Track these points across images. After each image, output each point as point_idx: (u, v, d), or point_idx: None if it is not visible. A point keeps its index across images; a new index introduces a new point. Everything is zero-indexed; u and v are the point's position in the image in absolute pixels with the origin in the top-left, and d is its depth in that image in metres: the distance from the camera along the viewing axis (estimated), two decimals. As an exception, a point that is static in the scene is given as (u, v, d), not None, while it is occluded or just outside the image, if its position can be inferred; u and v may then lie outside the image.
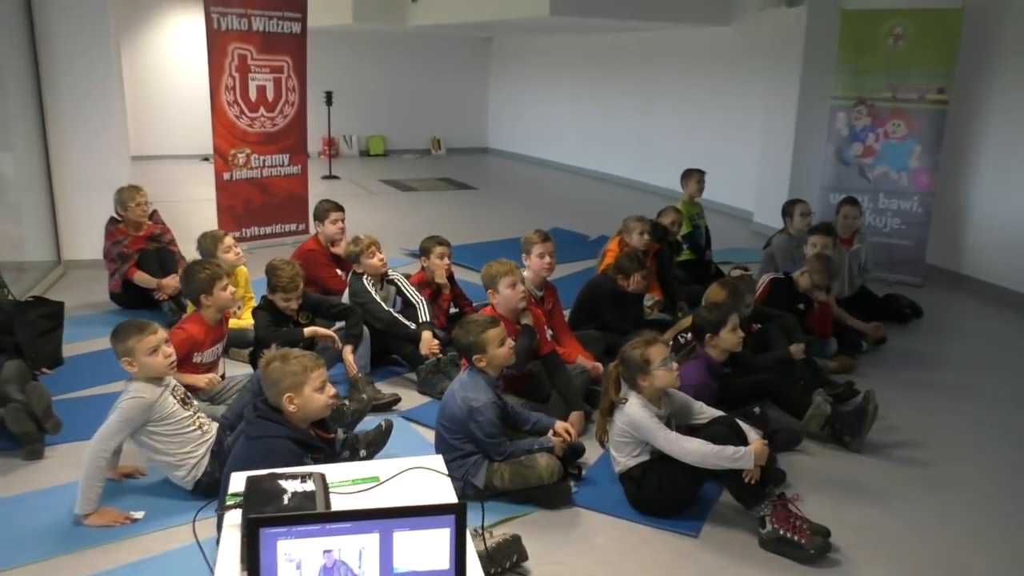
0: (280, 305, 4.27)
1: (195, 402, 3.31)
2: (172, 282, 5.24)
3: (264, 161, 7.50)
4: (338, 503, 2.10)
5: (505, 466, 3.24)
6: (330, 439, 2.89)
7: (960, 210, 7.01)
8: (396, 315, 4.50)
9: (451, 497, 2.22)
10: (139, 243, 5.46)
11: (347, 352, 4.31)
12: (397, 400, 4.15)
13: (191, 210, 8.59)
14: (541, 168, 14.17)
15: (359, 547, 1.62)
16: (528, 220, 9.02)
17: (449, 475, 2.30)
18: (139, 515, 3.12)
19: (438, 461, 2.39)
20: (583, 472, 3.51)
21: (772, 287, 4.86)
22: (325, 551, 1.61)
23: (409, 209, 10.05)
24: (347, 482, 2.26)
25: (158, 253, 5.45)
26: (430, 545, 1.66)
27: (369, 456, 3.42)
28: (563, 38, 13.68)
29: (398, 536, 1.64)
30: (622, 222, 5.54)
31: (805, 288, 4.85)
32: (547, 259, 4.45)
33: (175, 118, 13.24)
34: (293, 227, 7.84)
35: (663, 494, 3.16)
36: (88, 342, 4.92)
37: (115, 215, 5.52)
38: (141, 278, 5.33)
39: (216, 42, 7.00)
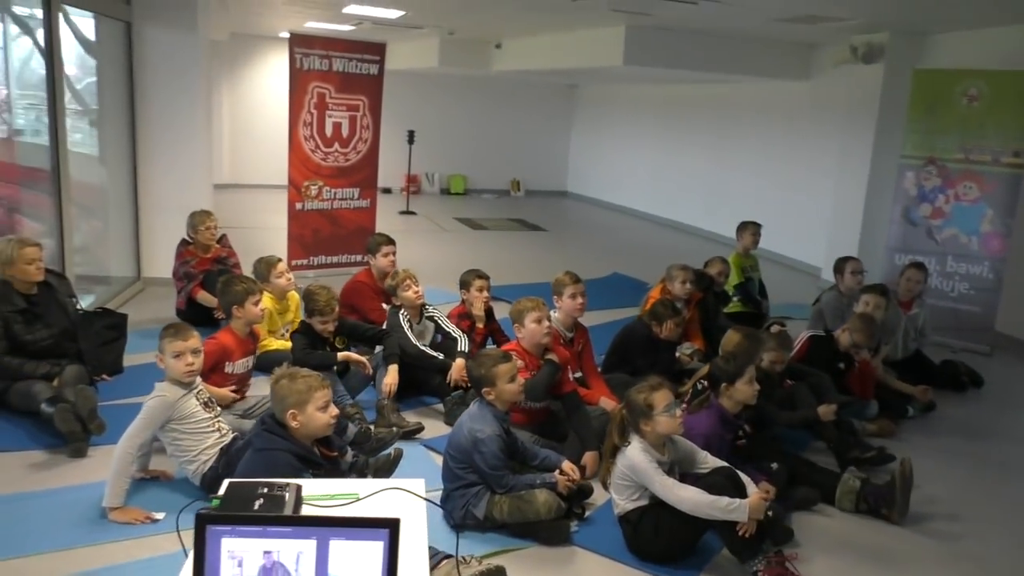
0: (317, 328, 4.47)
1: (218, 408, 3.52)
2: (231, 303, 5.53)
3: (335, 194, 7.85)
4: (311, 514, 2.22)
5: (505, 499, 3.31)
6: (333, 457, 3.03)
7: (1034, 278, 6.73)
8: (424, 348, 4.65)
9: (422, 520, 2.31)
10: (205, 264, 5.80)
11: (387, 374, 4.46)
12: (421, 428, 4.28)
13: (266, 237, 9.03)
14: (616, 214, 14.24)
15: (297, 551, 1.73)
16: (591, 264, 9.12)
17: (426, 499, 2.39)
18: (160, 516, 3.31)
19: (418, 485, 2.48)
20: (587, 513, 3.53)
21: (811, 344, 4.79)
22: (265, 552, 1.72)
23: (476, 247, 10.27)
24: (327, 496, 2.39)
25: (221, 275, 5.75)
26: (365, 556, 1.75)
27: None
28: (644, 87, 13.83)
29: (334, 544, 1.74)
30: (666, 270, 5.57)
31: (846, 347, 4.75)
32: (579, 300, 4.54)
33: (268, 150, 13.95)
34: (359, 258, 8.11)
35: (659, 540, 3.16)
36: (149, 353, 5.14)
37: (186, 237, 5.89)
38: (204, 297, 5.65)
39: (297, 80, 7.42)
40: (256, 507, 2.10)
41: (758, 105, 10.95)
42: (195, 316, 5.76)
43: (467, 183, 16.13)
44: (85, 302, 5.45)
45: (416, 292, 4.82)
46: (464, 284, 5.07)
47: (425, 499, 2.40)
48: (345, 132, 7.79)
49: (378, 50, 7.84)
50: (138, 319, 5.97)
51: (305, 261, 7.76)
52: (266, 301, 5.03)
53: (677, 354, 5.22)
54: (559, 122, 16.65)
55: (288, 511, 2.12)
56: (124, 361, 4.96)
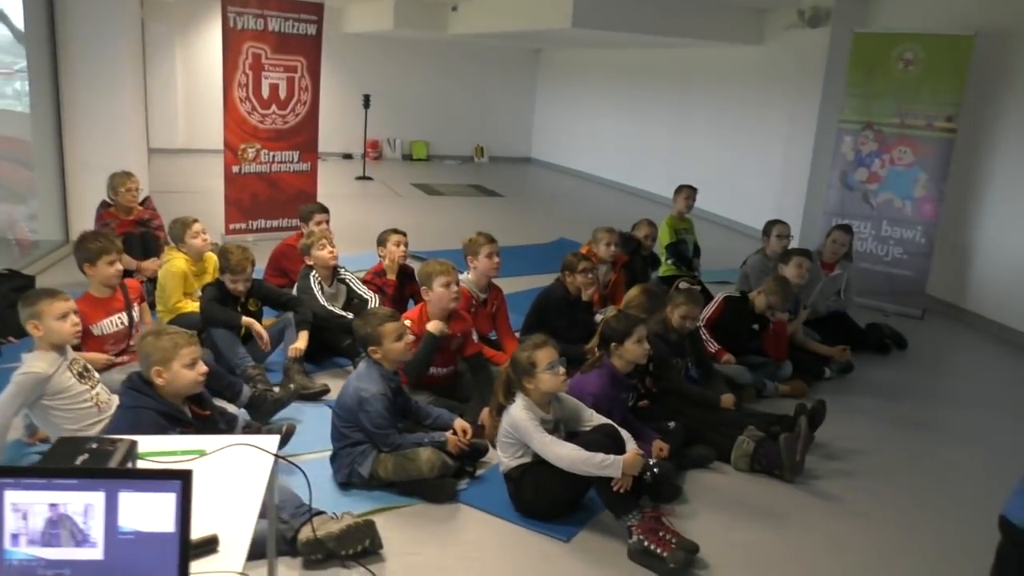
0: (228, 286, 4.42)
1: (96, 375, 3.40)
2: (151, 265, 5.45)
3: (274, 156, 7.73)
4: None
5: (390, 457, 3.30)
6: (205, 415, 2.98)
7: (965, 242, 6.76)
8: (332, 308, 4.61)
9: (264, 477, 2.29)
10: (126, 226, 5.69)
11: (297, 339, 4.42)
12: (326, 390, 4.24)
13: (206, 200, 8.89)
14: (579, 180, 14.18)
15: (85, 504, 1.70)
16: (541, 229, 9.09)
17: (273, 454, 2.36)
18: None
19: (269, 441, 2.45)
20: (478, 472, 3.52)
21: (726, 305, 4.78)
22: (51, 504, 1.69)
23: (428, 212, 10.19)
24: (168, 452, 2.35)
25: (142, 237, 5.67)
26: (157, 508, 1.72)
27: (263, 419, 3.55)
28: (607, 52, 13.70)
29: (124, 496, 1.71)
30: (592, 232, 5.54)
31: (761, 308, 4.76)
32: (495, 259, 4.52)
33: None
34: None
35: (540, 497, 3.17)
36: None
37: (107, 199, 5.78)
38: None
39: (231, 40, 7.26)
40: (79, 461, 2.06)
41: (714, 71, 10.89)
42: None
43: (429, 149, 15.97)
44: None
45: (331, 252, 4.76)
46: (381, 241, 5.03)
47: (277, 455, 2.37)
48: (283, 94, 7.65)
49: (315, 9, 7.68)
50: (64, 282, 5.87)
51: (243, 225, 7.67)
52: (180, 263, 4.97)
53: (597, 317, 5.21)
54: (523, 88, 16.49)
55: (117, 464, 2.08)
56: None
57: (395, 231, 4.99)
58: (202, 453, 2.38)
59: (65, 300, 3.27)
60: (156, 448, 2.35)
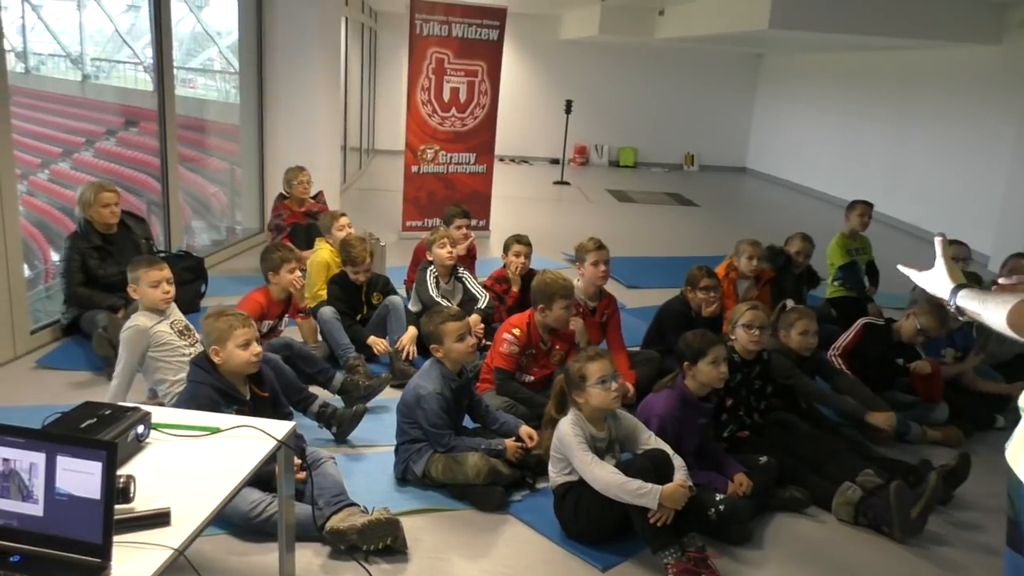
0: (351, 277, 4.65)
1: (196, 335, 3.72)
2: (306, 255, 5.85)
3: (451, 158, 8.01)
4: (160, 439, 2.35)
5: (442, 458, 3.27)
6: (264, 396, 3.14)
7: None
8: (437, 298, 4.67)
9: (258, 456, 2.36)
10: (296, 217, 6.16)
11: (406, 333, 4.55)
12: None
13: (387, 198, 9.36)
14: (791, 192, 13.33)
15: (30, 462, 1.84)
16: (721, 241, 8.62)
17: (278, 440, 2.43)
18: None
19: (282, 427, 2.53)
20: (539, 483, 3.39)
21: (864, 332, 4.23)
22: (4, 459, 1.85)
23: (611, 218, 10.05)
24: (187, 426, 2.49)
25: (308, 229, 6.09)
26: (88, 474, 1.82)
27: (339, 435, 3.65)
28: (830, 56, 12.75)
29: (61, 460, 1.83)
30: (735, 244, 5.16)
31: (909, 336, 4.16)
32: (601, 267, 4.34)
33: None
34: (475, 222, 8.24)
35: (579, 517, 2.98)
36: (230, 297, 5.67)
37: (283, 192, 6.28)
38: (288, 248, 6.01)
39: (417, 46, 7.62)
40: (84, 425, 2.24)
41: (939, 75, 9.73)
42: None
43: (637, 156, 15.78)
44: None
45: (450, 253, 4.83)
46: (505, 248, 5.01)
47: (278, 440, 2.44)
48: (463, 97, 7.90)
49: (498, 15, 7.84)
50: (242, 267, 6.50)
51: (420, 223, 8.00)
52: (325, 253, 5.29)
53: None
54: (741, 94, 15.80)
55: (118, 432, 2.24)
56: (204, 302, 5.42)
57: (518, 240, 4.94)
58: (216, 430, 2.50)
59: (160, 270, 3.64)
60: (173, 420, 2.51)
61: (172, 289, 3.67)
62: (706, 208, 11.43)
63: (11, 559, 1.80)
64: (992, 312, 1.74)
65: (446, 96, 7.82)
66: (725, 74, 15.59)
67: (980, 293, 1.82)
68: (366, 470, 3.44)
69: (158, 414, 2.51)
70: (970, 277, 4.44)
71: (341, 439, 3.66)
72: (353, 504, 2.95)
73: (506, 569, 2.89)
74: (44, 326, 4.73)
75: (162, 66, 5.84)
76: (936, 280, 1.91)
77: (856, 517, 3.30)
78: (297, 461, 3.02)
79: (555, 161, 14.87)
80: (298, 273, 4.36)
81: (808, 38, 9.63)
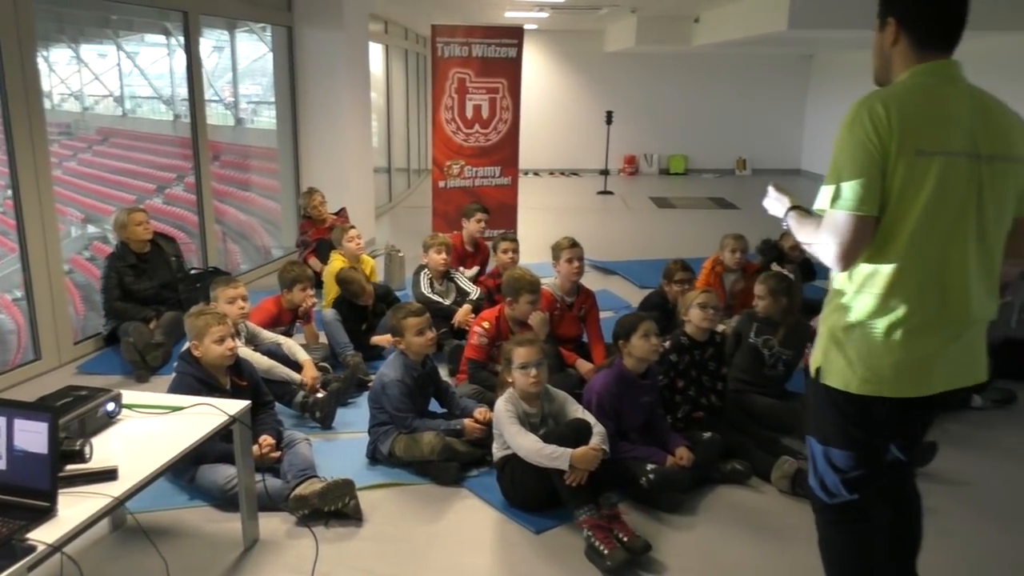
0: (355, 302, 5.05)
1: (242, 337, 4.23)
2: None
3: (477, 172, 8.40)
4: (131, 416, 2.78)
5: (404, 438, 3.60)
6: (243, 385, 3.54)
7: None
8: (431, 296, 5.02)
9: (206, 428, 2.75)
10: (320, 233, 6.64)
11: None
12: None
13: (418, 214, 9.79)
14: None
15: (-1, 425, 2.28)
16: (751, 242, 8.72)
17: (230, 416, 2.82)
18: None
19: (234, 405, 2.92)
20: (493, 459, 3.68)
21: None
22: (-23, 423, 2.29)
23: (644, 224, 10.24)
24: (149, 405, 2.91)
25: (330, 243, 6.55)
26: (37, 434, 2.24)
27: (322, 421, 4.03)
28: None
29: (18, 423, 2.25)
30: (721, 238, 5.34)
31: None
32: (575, 264, 4.61)
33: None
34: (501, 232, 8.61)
35: (515, 487, 3.26)
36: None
37: (305, 212, 6.79)
38: (314, 263, 6.48)
39: (439, 67, 8.06)
40: (60, 403, 2.67)
41: (998, 63, 9.55)
42: (310, 278, 6.66)
43: (688, 163, 15.85)
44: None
45: (444, 260, 5.19)
46: (493, 247, 5.34)
47: (230, 416, 2.84)
48: (485, 114, 8.29)
49: (516, 34, 8.21)
50: (271, 283, 6.99)
51: (450, 235, 8.39)
52: (338, 264, 5.73)
53: (721, 328, 5.02)
54: (792, 96, 15.69)
55: (87, 407, 2.67)
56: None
57: (504, 238, 5.27)
58: (179, 408, 2.91)
59: (235, 288, 4.14)
60: (142, 401, 2.93)
61: (247, 305, 4.18)
62: (746, 211, 11.46)
63: (-19, 505, 2.23)
64: (802, 230, 2.14)
65: (469, 113, 8.23)
66: (775, 77, 15.53)
67: (805, 216, 2.19)
68: (341, 451, 3.81)
69: (131, 396, 2.94)
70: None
71: (326, 424, 4.05)
72: (313, 476, 3.32)
73: (448, 532, 3.20)
74: (87, 337, 5.30)
75: (194, 100, 6.42)
76: (776, 203, 2.29)
77: (794, 488, 3.47)
78: (272, 442, 3.44)
79: (604, 172, 15.11)
80: (310, 291, 4.78)
81: (852, 36, 9.59)
